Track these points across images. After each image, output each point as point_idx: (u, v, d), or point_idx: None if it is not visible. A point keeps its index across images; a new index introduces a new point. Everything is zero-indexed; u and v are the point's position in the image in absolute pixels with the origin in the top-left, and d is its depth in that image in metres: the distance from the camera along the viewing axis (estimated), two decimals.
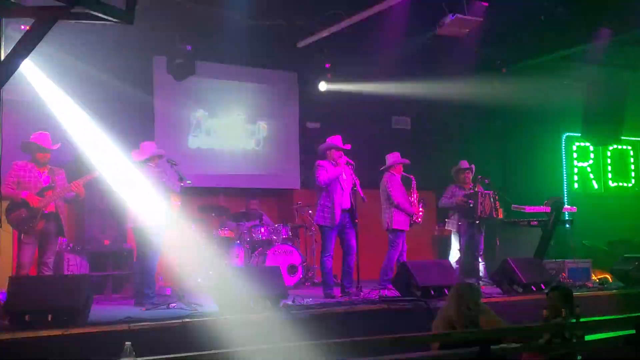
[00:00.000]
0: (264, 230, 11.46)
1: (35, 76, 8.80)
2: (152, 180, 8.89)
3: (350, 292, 9.33)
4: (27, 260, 7.95)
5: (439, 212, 13.89)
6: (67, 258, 10.20)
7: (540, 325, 5.17)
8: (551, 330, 4.90)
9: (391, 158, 10.56)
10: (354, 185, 9.48)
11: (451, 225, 11.40)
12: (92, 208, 10.52)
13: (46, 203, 8.00)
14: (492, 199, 10.97)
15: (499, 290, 9.75)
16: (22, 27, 9.03)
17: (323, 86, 12.82)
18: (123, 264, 10.65)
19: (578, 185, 15.78)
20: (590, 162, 16.04)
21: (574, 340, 4.82)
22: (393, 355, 4.31)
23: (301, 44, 11.95)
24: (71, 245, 10.34)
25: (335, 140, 9.67)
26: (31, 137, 8.22)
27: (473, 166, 11.36)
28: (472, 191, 10.94)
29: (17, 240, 8.22)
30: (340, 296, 9.22)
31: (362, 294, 9.31)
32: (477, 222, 10.83)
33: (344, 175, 9.52)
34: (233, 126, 12.97)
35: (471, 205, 10.77)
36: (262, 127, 13.29)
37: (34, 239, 8.00)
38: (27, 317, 6.61)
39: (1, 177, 7.26)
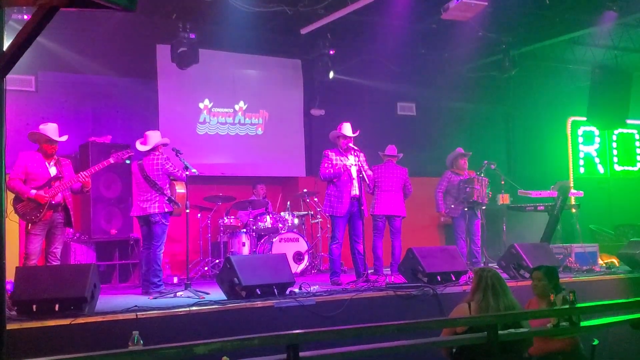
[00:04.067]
0: (270, 218, 11.46)
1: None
2: (156, 169, 8.89)
3: (370, 278, 9.25)
4: (35, 251, 7.92)
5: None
6: (74, 248, 10.22)
7: (548, 309, 5.16)
8: (559, 315, 4.89)
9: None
10: (362, 173, 9.45)
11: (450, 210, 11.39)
12: (98, 198, 10.50)
13: (53, 194, 7.97)
14: (486, 186, 11.09)
15: (506, 275, 9.73)
16: (25, 16, 9.03)
17: (332, 74, 12.67)
18: (129, 253, 10.67)
19: (584, 169, 15.74)
20: (596, 146, 16.00)
21: (581, 324, 4.81)
22: (400, 341, 4.30)
23: (305, 30, 11.88)
24: (77, 235, 10.36)
25: (344, 128, 9.66)
26: (39, 127, 8.17)
27: (470, 152, 11.42)
28: (467, 177, 11.05)
29: (24, 230, 8.21)
30: (350, 282, 9.16)
31: (383, 278, 9.41)
32: (470, 207, 10.94)
33: (351, 163, 9.50)
34: (237, 114, 12.95)
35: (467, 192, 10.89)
36: (267, 115, 13.25)
37: (42, 229, 7.96)
38: (34, 307, 6.63)
39: (6, 167, 7.23)
